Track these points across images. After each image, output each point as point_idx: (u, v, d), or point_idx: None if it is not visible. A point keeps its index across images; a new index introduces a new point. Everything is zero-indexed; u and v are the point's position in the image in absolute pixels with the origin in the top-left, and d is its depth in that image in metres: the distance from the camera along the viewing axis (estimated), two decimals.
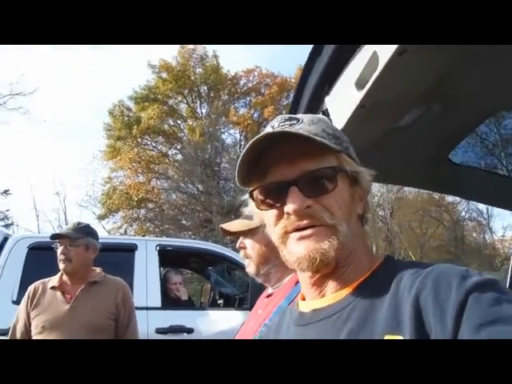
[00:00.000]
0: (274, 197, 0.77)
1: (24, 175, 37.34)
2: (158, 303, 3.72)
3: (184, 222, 19.65)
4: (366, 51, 1.02)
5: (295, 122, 0.78)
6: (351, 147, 0.82)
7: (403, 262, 0.79)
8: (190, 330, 3.66)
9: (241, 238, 1.65)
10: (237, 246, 1.67)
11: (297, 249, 0.75)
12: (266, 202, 0.79)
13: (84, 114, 33.00)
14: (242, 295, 4.41)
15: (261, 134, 0.75)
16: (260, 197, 0.79)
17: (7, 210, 20.86)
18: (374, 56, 0.97)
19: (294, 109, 1.40)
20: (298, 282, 1.29)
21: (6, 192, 20.91)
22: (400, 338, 0.64)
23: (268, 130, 0.79)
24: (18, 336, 2.49)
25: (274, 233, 0.79)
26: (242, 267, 4.23)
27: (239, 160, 0.76)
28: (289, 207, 0.74)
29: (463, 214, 23.57)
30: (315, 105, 1.31)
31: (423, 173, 1.75)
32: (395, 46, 0.89)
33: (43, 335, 2.42)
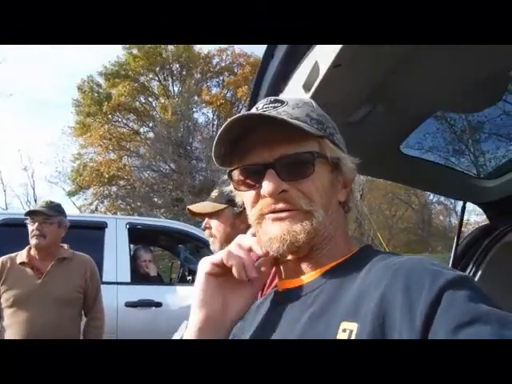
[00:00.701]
0: (252, 178, 0.78)
1: None
2: (128, 278, 3.84)
3: (156, 199, 19.56)
4: (308, 60, 1.13)
5: (279, 104, 0.78)
6: (337, 134, 0.82)
7: (380, 252, 0.78)
8: (158, 304, 3.81)
9: (206, 219, 1.80)
10: (202, 226, 1.83)
11: (271, 229, 0.75)
12: (245, 182, 0.79)
13: (52, 89, 31.98)
14: None
15: (236, 116, 0.75)
16: (239, 177, 0.80)
17: None
18: (315, 66, 1.09)
19: (252, 105, 1.50)
20: None
21: None
22: (355, 324, 0.64)
23: (253, 111, 0.79)
24: None
25: (250, 214, 0.80)
26: (208, 246, 4.36)
27: (215, 139, 0.76)
28: (264, 189, 0.74)
29: (431, 197, 24.14)
30: None
31: (377, 164, 1.88)
32: (332, 59, 0.99)
33: (14, 309, 2.52)
